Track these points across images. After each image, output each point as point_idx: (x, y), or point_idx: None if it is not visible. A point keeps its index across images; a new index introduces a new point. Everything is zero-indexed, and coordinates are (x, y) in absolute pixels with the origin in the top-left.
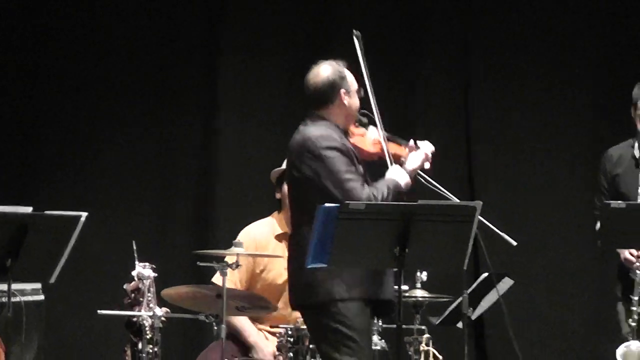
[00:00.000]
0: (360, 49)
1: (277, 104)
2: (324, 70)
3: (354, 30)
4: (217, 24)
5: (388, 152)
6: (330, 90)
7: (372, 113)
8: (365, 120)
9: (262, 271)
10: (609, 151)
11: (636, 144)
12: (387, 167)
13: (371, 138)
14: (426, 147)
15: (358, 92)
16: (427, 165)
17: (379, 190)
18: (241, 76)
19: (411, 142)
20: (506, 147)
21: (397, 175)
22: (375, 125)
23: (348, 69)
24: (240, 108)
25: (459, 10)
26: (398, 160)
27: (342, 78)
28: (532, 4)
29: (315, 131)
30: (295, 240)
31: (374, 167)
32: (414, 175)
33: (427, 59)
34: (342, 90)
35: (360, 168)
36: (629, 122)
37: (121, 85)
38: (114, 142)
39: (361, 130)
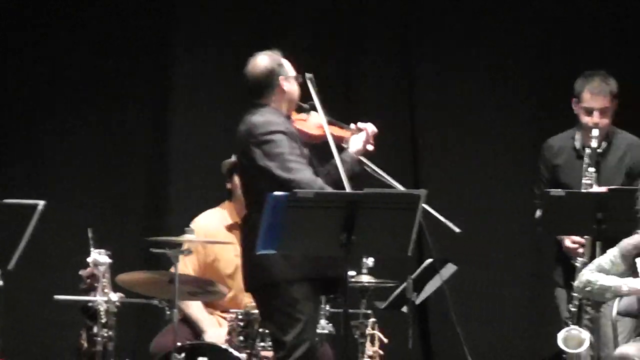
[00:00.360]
0: (314, 89)
1: (228, 95)
2: (261, 60)
3: (307, 74)
4: (169, 15)
5: (331, 135)
6: (270, 78)
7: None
8: (306, 106)
9: (213, 261)
10: (549, 141)
11: (577, 136)
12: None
13: (313, 122)
14: (368, 128)
15: (296, 78)
16: (370, 147)
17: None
18: (192, 67)
19: (352, 125)
20: (450, 138)
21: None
22: (316, 111)
23: (286, 57)
24: (191, 99)
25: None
26: (342, 142)
27: (280, 65)
28: None
29: (259, 118)
30: (247, 226)
31: (320, 150)
32: (357, 157)
33: (369, 50)
34: (281, 77)
35: (306, 151)
36: (569, 114)
37: (73, 75)
38: (67, 132)
39: (303, 115)
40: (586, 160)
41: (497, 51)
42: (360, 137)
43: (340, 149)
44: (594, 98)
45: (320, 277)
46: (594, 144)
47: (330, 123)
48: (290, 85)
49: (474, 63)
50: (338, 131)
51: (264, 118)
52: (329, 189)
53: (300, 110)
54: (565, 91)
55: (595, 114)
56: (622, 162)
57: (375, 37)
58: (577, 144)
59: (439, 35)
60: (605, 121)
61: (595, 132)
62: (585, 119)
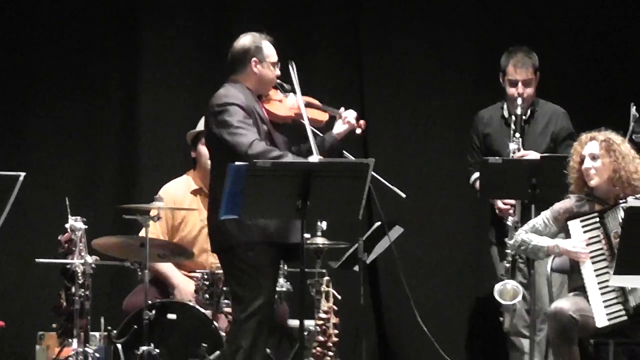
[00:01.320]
0: (294, 74)
1: (194, 69)
2: (243, 39)
3: (290, 60)
4: None
5: (307, 118)
6: (243, 57)
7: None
8: (287, 87)
9: (180, 223)
10: (480, 113)
11: (505, 106)
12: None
13: (289, 104)
14: (349, 115)
15: (274, 64)
16: (358, 130)
17: (275, 152)
18: (160, 41)
19: (341, 109)
20: (396, 112)
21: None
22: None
23: (273, 42)
24: (159, 73)
25: None
26: (319, 125)
27: (258, 48)
28: None
29: (221, 91)
30: (211, 193)
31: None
32: (340, 137)
33: (320, 26)
34: (254, 59)
35: (264, 127)
36: (501, 89)
37: (47, 51)
38: (44, 109)
39: (280, 96)
40: (512, 127)
41: (439, 31)
42: (342, 122)
43: (315, 132)
44: (517, 71)
45: (277, 242)
46: (519, 111)
47: (310, 105)
48: (262, 69)
49: (418, 42)
50: (316, 114)
51: (224, 91)
52: (276, 151)
53: (282, 89)
54: (498, 69)
55: (519, 85)
56: (547, 128)
57: (325, 14)
58: (505, 113)
59: (387, 17)
60: (529, 91)
61: (519, 101)
62: (511, 90)
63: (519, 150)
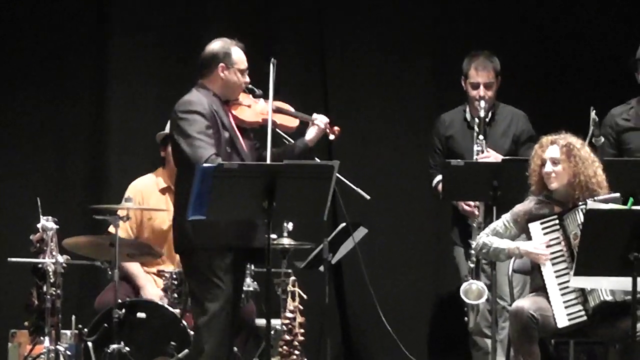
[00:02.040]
0: (273, 73)
1: (162, 71)
2: (212, 45)
3: (272, 59)
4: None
5: (276, 124)
6: (211, 62)
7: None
8: (258, 92)
9: (149, 219)
10: (442, 116)
11: (467, 109)
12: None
13: (258, 109)
14: (321, 120)
15: (243, 71)
16: (331, 137)
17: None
18: (129, 42)
19: (314, 115)
20: (358, 117)
21: None
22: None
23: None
24: (127, 75)
25: None
26: (289, 131)
27: (226, 54)
28: None
29: (186, 96)
30: (176, 194)
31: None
32: (312, 144)
33: (283, 27)
34: (221, 65)
35: (226, 134)
36: (461, 91)
37: (17, 54)
38: (15, 111)
39: (250, 101)
40: (475, 129)
41: (401, 36)
42: (315, 127)
43: (283, 138)
44: (479, 74)
45: (239, 246)
46: (482, 113)
47: (281, 111)
48: (229, 74)
49: (380, 46)
50: (286, 120)
51: (189, 97)
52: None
53: (253, 94)
54: (459, 71)
55: (481, 87)
56: (509, 130)
57: (289, 19)
58: (467, 116)
59: (349, 21)
60: (490, 94)
61: (482, 104)
62: (473, 93)
63: (482, 152)
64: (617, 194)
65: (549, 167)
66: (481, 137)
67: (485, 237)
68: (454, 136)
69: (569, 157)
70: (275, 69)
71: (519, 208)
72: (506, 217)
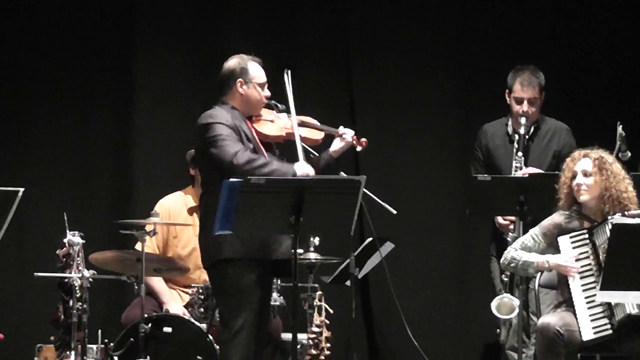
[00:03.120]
0: (289, 83)
1: (190, 87)
2: (230, 62)
3: (286, 69)
4: (130, 12)
5: (300, 137)
6: (229, 79)
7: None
8: (281, 107)
9: (174, 238)
10: (484, 127)
11: (509, 122)
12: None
13: (281, 123)
14: (347, 133)
15: (262, 85)
16: (359, 148)
17: (259, 160)
18: (157, 57)
19: (341, 128)
20: (385, 132)
21: (297, 167)
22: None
23: (262, 64)
24: (154, 93)
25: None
26: (314, 144)
27: (243, 69)
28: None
29: (208, 111)
30: (201, 209)
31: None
32: (337, 155)
33: (310, 54)
34: (239, 80)
35: (250, 145)
36: (491, 105)
37: (43, 68)
38: (39, 123)
39: (272, 116)
40: (515, 145)
41: (426, 49)
42: (341, 140)
43: (308, 151)
44: (524, 89)
45: (265, 259)
46: (522, 130)
47: (305, 125)
48: (248, 89)
49: (410, 63)
50: (311, 132)
51: (211, 112)
52: (261, 159)
53: (276, 109)
54: (486, 85)
55: (525, 103)
56: (550, 145)
57: (316, 32)
58: (509, 130)
59: (375, 34)
60: (534, 110)
61: (523, 120)
62: (516, 108)
63: (520, 169)
64: None
65: (580, 179)
66: (520, 154)
67: (514, 252)
68: (495, 149)
69: (601, 170)
70: (291, 79)
71: (547, 222)
72: (534, 230)
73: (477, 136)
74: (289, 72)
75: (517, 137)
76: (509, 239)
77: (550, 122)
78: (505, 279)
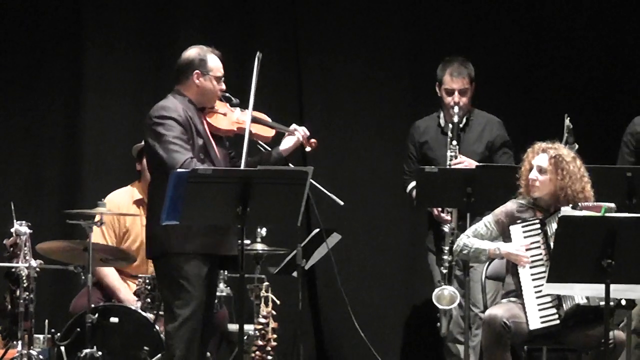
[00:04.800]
0: (257, 67)
1: (138, 80)
2: (189, 51)
3: (258, 52)
4: (82, 5)
5: (252, 133)
6: (187, 69)
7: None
8: (235, 101)
9: (125, 233)
10: (416, 123)
11: (441, 115)
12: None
13: (233, 118)
14: (298, 132)
15: (218, 78)
16: (308, 148)
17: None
18: (106, 48)
19: (293, 125)
20: (333, 123)
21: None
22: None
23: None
24: (103, 85)
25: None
26: (265, 141)
27: (202, 61)
28: None
29: (164, 102)
30: (149, 199)
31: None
32: (286, 154)
33: (259, 43)
34: (197, 72)
35: (200, 140)
36: (436, 99)
37: None
38: None
39: (226, 109)
40: (449, 134)
41: (375, 41)
42: (292, 138)
43: (260, 146)
44: (453, 80)
45: (212, 253)
46: (455, 119)
47: (258, 121)
48: (204, 81)
49: (355, 51)
50: (263, 129)
51: (164, 103)
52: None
53: (230, 103)
54: (435, 77)
55: (456, 94)
56: (482, 136)
57: (265, 21)
58: (442, 122)
59: (324, 25)
60: (465, 100)
61: (456, 109)
62: (447, 99)
63: (455, 157)
64: (612, 204)
65: (534, 174)
66: (454, 143)
67: (466, 239)
68: (428, 142)
69: (557, 169)
70: (260, 64)
71: (500, 209)
72: (488, 218)
73: (409, 132)
74: (260, 56)
75: (450, 126)
76: (446, 229)
77: (482, 114)
78: (444, 271)
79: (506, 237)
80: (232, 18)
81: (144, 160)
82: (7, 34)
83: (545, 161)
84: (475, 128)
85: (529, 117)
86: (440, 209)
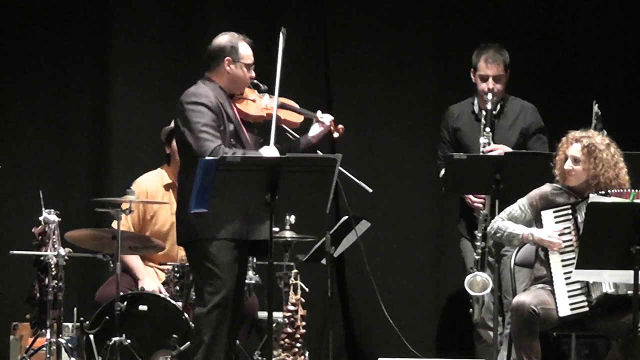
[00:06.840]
0: (282, 43)
1: (167, 65)
2: (220, 38)
3: (282, 28)
4: None
5: (280, 119)
6: (218, 56)
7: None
8: (263, 87)
9: (151, 217)
10: (450, 108)
11: (475, 101)
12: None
13: (262, 104)
14: (325, 119)
15: (249, 65)
16: (335, 135)
17: (233, 152)
18: (133, 36)
19: (318, 112)
20: (363, 108)
21: (263, 151)
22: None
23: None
24: (131, 69)
25: None
26: (293, 127)
27: (233, 48)
28: None
29: (192, 88)
30: (179, 186)
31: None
32: (315, 141)
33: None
34: (228, 58)
35: (231, 126)
36: (466, 85)
37: (20, 47)
38: (15, 101)
39: (254, 95)
40: (483, 121)
41: (406, 28)
42: (320, 125)
43: (289, 134)
44: (488, 66)
45: (242, 239)
46: (489, 106)
47: (285, 107)
48: (235, 68)
49: (386, 38)
50: (291, 115)
51: (195, 89)
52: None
53: (258, 90)
54: (465, 66)
55: (490, 80)
56: (516, 123)
57: (292, 11)
58: (476, 109)
59: (353, 13)
60: (499, 87)
61: (490, 96)
62: (482, 86)
63: (489, 144)
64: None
65: (568, 165)
66: (488, 129)
67: (501, 222)
68: (461, 129)
69: (590, 158)
70: (285, 39)
71: (535, 192)
72: (522, 201)
73: (443, 118)
74: (285, 31)
75: (484, 113)
76: (479, 217)
77: (517, 101)
78: (477, 257)
79: (538, 221)
80: (259, 4)
81: (174, 143)
82: (35, 21)
83: (578, 151)
84: (510, 115)
85: (557, 105)
86: (476, 196)
